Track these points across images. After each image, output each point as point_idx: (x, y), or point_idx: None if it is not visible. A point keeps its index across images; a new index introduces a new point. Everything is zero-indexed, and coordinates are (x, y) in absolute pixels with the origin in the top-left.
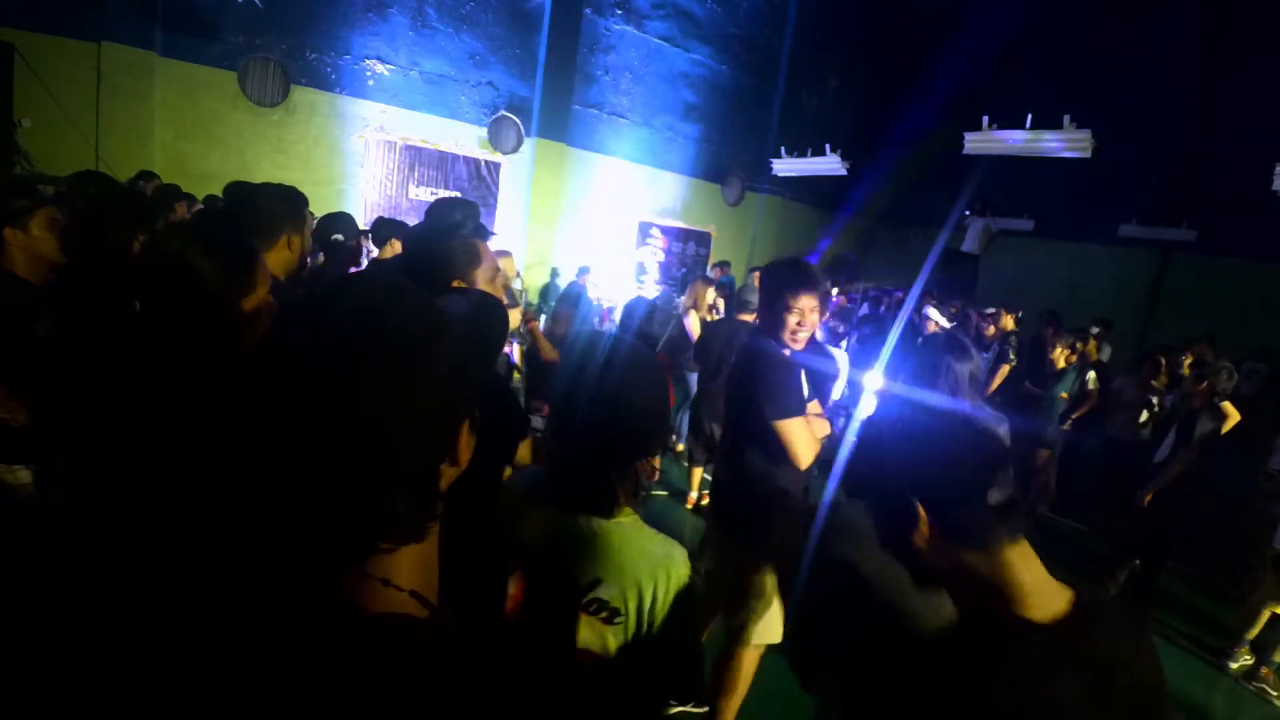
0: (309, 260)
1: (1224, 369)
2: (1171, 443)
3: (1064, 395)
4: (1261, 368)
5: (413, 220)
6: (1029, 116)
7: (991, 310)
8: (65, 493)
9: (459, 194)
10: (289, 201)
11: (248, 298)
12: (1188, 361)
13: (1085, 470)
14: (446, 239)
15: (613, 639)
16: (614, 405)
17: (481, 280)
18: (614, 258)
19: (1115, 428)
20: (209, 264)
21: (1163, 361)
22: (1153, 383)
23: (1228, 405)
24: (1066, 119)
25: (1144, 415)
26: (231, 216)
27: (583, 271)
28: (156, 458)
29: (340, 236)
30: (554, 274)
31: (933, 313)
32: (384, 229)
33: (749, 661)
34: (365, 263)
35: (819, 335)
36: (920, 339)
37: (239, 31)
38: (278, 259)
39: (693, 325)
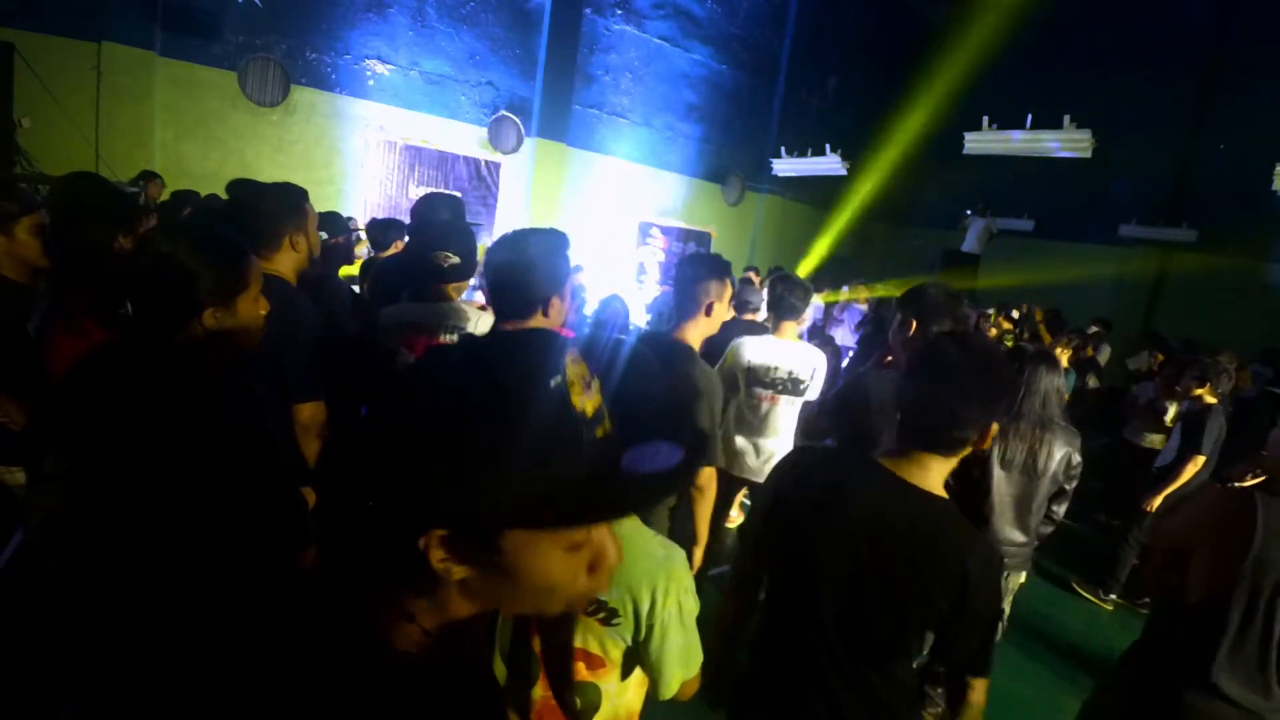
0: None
1: (1225, 371)
2: (1177, 445)
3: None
4: (1266, 371)
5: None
6: (1029, 116)
7: (991, 310)
8: (56, 494)
9: (458, 194)
10: (288, 201)
11: (241, 296)
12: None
13: (1086, 471)
14: (531, 266)
15: (611, 642)
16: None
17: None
18: (614, 258)
19: (1131, 432)
20: (198, 263)
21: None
22: (1176, 388)
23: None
24: (1066, 119)
25: (1166, 419)
26: (230, 220)
27: (576, 270)
28: (148, 459)
29: (324, 235)
30: None
31: None
32: (387, 231)
33: None
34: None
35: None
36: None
37: (239, 31)
38: (285, 260)
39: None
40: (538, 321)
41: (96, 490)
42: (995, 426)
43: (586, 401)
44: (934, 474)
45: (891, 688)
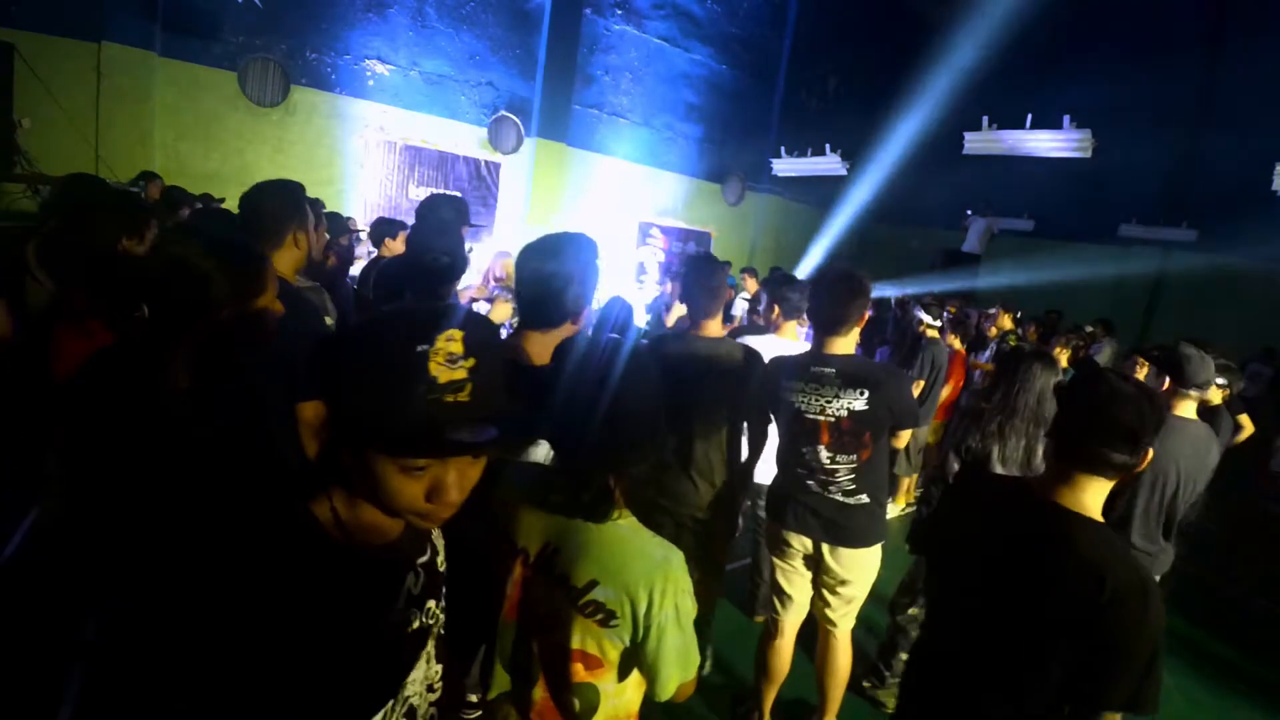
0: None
1: (1234, 371)
2: None
3: None
4: (1266, 370)
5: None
6: (1029, 116)
7: (992, 310)
8: (57, 498)
9: (457, 194)
10: (291, 198)
11: (257, 300)
12: None
13: None
14: (569, 280)
15: (609, 643)
16: (607, 408)
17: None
18: (614, 258)
19: None
20: (215, 267)
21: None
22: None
23: (1244, 418)
24: (1066, 119)
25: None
26: (230, 217)
27: None
28: (162, 461)
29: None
30: None
31: (922, 314)
32: (379, 229)
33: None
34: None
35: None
36: (911, 338)
37: (239, 31)
38: (286, 258)
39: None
40: (566, 330)
41: (96, 491)
42: (1151, 452)
43: (445, 371)
44: (1090, 496)
45: None
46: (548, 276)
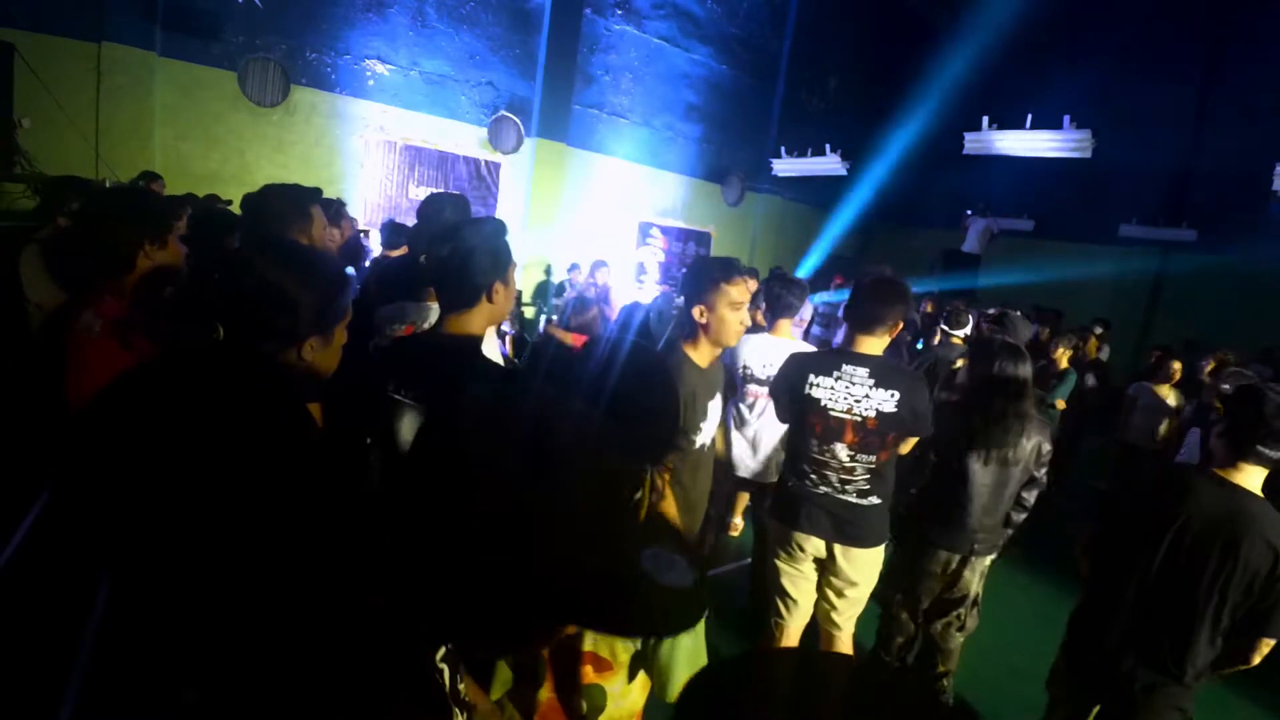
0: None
1: (1245, 374)
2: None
3: (1061, 404)
4: (1266, 370)
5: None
6: (1029, 116)
7: (993, 311)
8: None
9: (456, 193)
10: (295, 201)
11: (339, 325)
12: (1209, 368)
13: (1088, 472)
14: (471, 254)
15: (621, 646)
16: (624, 412)
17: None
18: (614, 258)
19: (1134, 435)
20: (304, 292)
21: (1178, 365)
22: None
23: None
24: (1066, 119)
25: (1165, 423)
26: (231, 218)
27: (573, 268)
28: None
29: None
30: (548, 272)
31: (944, 325)
32: (391, 232)
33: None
34: (368, 261)
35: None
36: (910, 337)
37: (239, 31)
38: None
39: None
40: (482, 309)
41: (104, 490)
42: None
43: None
44: (1254, 478)
45: (1195, 652)
46: (447, 256)
